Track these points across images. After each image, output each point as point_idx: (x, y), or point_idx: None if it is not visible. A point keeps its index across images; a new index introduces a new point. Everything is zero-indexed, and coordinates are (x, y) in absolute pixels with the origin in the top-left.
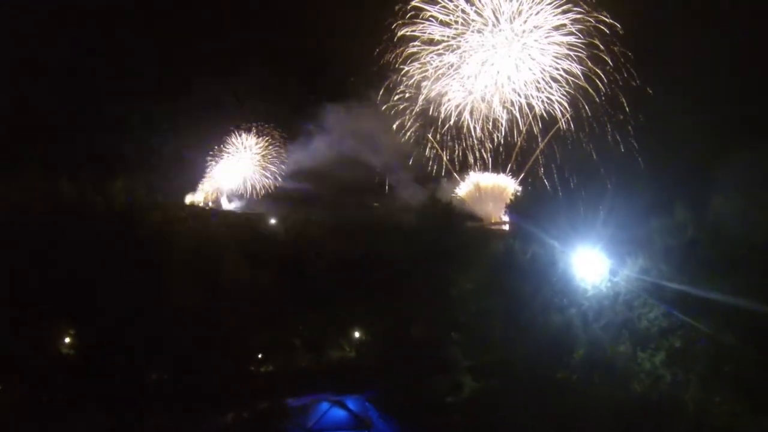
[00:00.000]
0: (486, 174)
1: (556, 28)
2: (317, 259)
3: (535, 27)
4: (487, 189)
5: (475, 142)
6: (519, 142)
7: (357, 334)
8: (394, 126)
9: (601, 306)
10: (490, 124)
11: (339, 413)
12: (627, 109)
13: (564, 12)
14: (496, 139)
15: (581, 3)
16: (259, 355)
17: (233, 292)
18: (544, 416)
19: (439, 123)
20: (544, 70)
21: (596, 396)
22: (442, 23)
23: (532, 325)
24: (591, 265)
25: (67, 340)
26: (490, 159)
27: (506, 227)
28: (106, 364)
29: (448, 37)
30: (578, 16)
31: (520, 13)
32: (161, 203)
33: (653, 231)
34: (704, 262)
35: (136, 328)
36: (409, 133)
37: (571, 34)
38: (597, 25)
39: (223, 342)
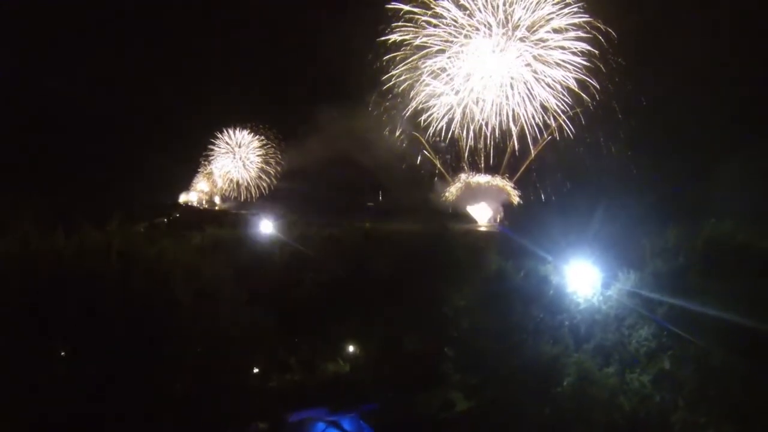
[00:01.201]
0: (478, 176)
1: (550, 32)
2: (312, 276)
3: (528, 32)
4: (479, 191)
5: (467, 144)
6: (510, 147)
7: (351, 348)
8: (387, 128)
9: (593, 320)
10: (483, 127)
11: None
12: (619, 115)
13: (558, 17)
14: (488, 143)
15: (576, 9)
16: (255, 370)
17: (231, 321)
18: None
19: (431, 126)
20: (536, 75)
21: (586, 418)
22: (435, 26)
23: (522, 348)
24: (583, 277)
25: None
26: (482, 162)
27: (497, 228)
28: (104, 387)
29: (440, 41)
30: (573, 21)
31: (512, 18)
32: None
33: (644, 253)
34: (695, 284)
35: (135, 356)
36: (402, 135)
37: (565, 39)
38: (591, 31)
39: (220, 366)
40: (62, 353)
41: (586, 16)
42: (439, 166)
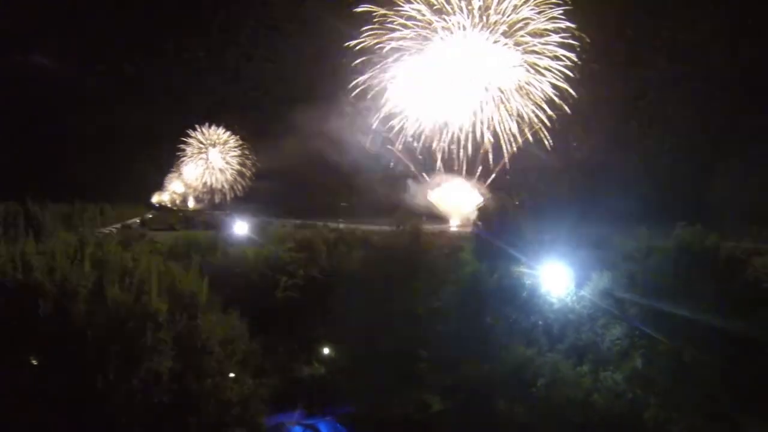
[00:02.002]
0: (452, 178)
1: (526, 36)
2: (286, 278)
3: (504, 36)
4: (453, 191)
5: (441, 147)
6: (484, 150)
7: (326, 351)
8: (362, 129)
9: (566, 320)
10: (456, 130)
11: None
12: (594, 117)
13: (535, 22)
14: (461, 145)
15: (553, 14)
16: (231, 374)
17: (204, 326)
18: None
19: (404, 128)
20: (511, 79)
21: (560, 417)
22: (409, 29)
23: (496, 349)
24: (557, 278)
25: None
26: (456, 164)
27: (471, 230)
28: (77, 396)
29: (413, 44)
30: (549, 26)
31: (488, 21)
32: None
33: (617, 254)
34: (666, 285)
35: (108, 364)
36: (376, 136)
37: (542, 44)
38: (568, 36)
39: (195, 373)
40: (33, 362)
41: (565, 20)
42: (412, 167)
